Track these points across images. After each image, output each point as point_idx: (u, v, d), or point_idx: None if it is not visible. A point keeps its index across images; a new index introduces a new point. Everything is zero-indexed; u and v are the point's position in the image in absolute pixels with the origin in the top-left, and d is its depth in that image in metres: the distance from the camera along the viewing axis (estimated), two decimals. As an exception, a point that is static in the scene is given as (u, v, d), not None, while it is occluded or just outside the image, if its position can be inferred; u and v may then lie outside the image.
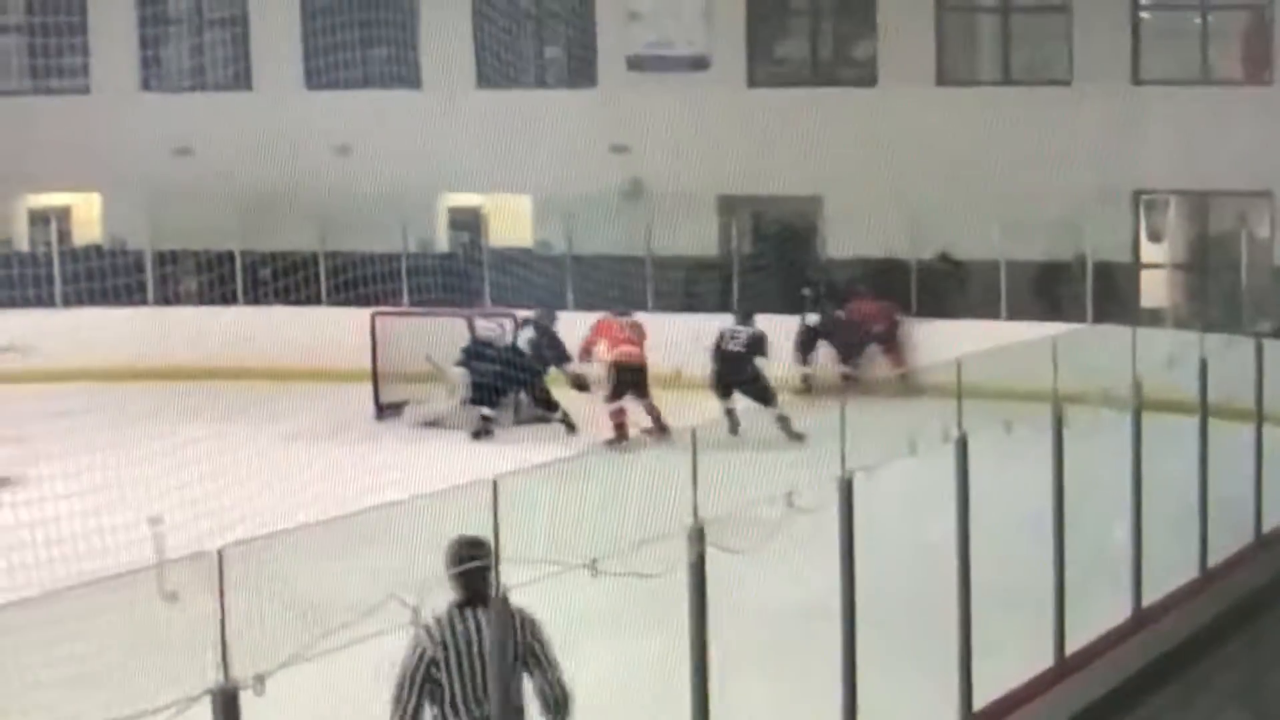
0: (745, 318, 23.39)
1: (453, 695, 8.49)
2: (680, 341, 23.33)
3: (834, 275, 26.45)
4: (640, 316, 23.79)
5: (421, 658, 8.45)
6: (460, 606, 8.55)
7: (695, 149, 27.82)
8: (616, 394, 22.42)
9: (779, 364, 23.36)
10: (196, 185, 28.64)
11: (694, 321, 24.26)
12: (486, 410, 22.90)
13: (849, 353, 25.46)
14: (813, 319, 25.57)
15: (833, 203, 27.47)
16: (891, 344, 25.54)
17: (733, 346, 22.83)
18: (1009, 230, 25.30)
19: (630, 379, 22.51)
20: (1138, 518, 13.95)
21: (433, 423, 23.07)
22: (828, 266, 26.83)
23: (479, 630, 8.51)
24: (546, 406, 23.17)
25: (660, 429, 21.84)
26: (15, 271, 26.29)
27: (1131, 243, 26.82)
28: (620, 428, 22.20)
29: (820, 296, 25.84)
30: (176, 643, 7.44)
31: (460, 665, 8.49)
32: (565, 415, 22.95)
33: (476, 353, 23.24)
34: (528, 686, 8.70)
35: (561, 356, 23.42)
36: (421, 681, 8.45)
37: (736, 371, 22.70)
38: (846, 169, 27.05)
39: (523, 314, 24.08)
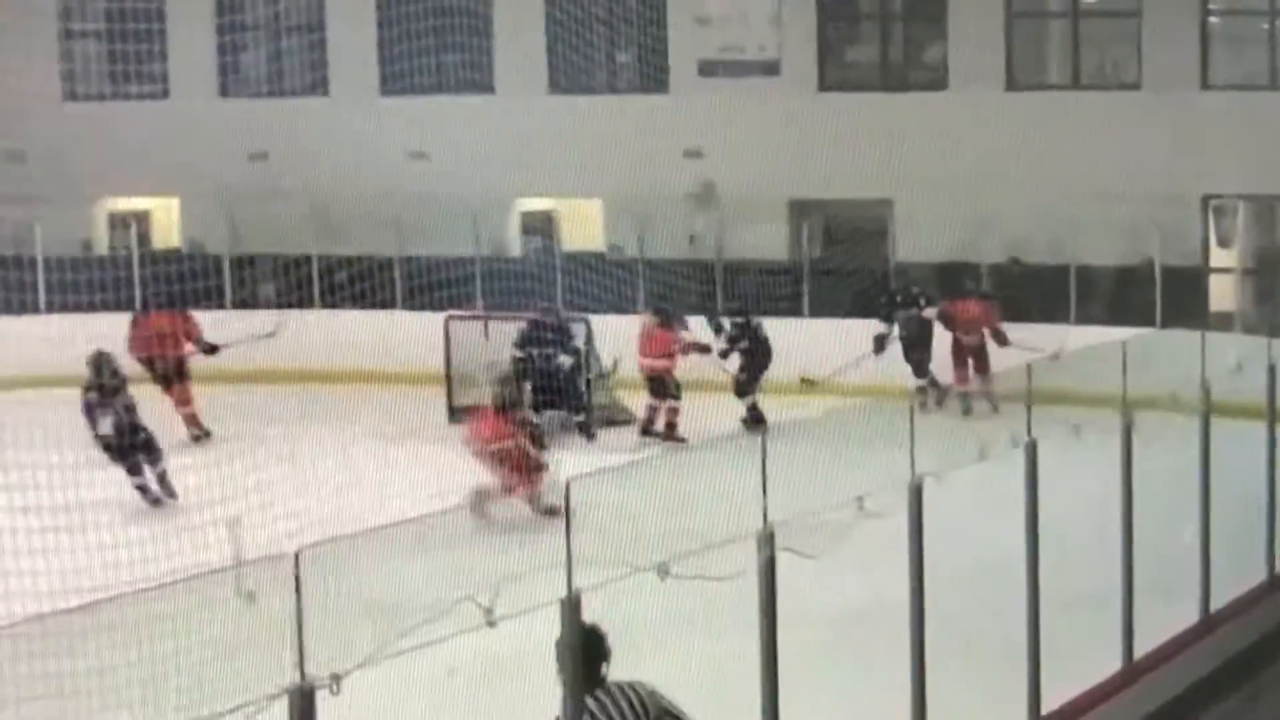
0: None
1: None
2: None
3: (910, 280, 25.75)
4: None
5: None
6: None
7: (766, 153, 27.88)
8: (649, 393, 22.95)
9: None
10: (273, 190, 28.90)
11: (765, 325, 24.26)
12: (535, 417, 22.75)
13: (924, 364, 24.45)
14: (882, 328, 24.69)
15: (903, 206, 27.48)
16: (981, 353, 24.24)
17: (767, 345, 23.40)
18: (1078, 234, 25.29)
19: (651, 384, 22.94)
20: (1206, 522, 13.97)
21: None
22: (902, 271, 26.48)
23: (605, 713, 8.56)
24: (579, 410, 23.33)
25: (672, 437, 22.19)
26: (96, 275, 26.55)
27: (1200, 247, 26.72)
28: (648, 423, 22.83)
29: (895, 304, 24.96)
30: (254, 643, 7.57)
31: None
32: (590, 419, 23.26)
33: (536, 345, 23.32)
34: None
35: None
36: None
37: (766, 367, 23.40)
38: (917, 173, 27.02)
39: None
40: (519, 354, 23.45)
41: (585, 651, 8.49)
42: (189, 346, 23.48)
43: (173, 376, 23.06)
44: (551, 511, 16.76)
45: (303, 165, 29.01)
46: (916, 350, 24.55)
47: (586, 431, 23.13)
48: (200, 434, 22.81)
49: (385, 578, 8.22)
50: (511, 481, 18.31)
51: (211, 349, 23.50)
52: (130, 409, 19.93)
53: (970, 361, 24.37)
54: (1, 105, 27.38)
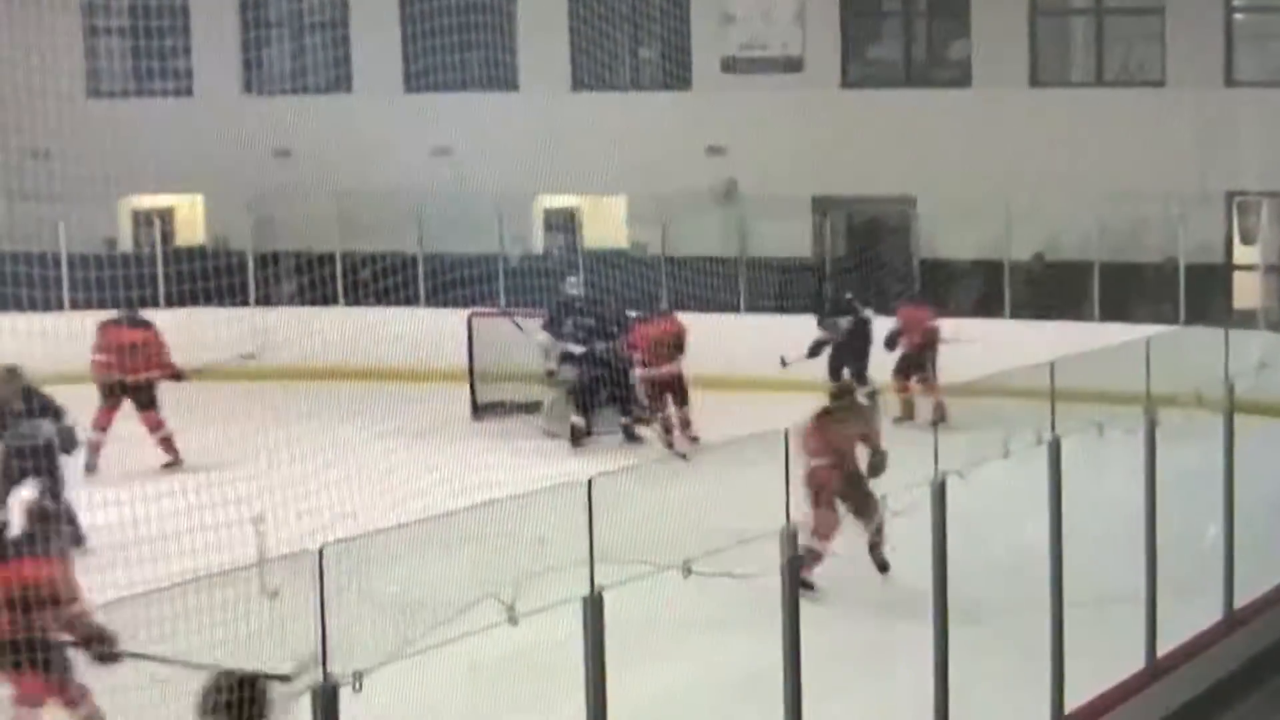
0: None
1: None
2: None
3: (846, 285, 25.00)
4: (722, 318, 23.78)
5: None
6: None
7: (789, 150, 27.89)
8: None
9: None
10: (297, 187, 28.93)
11: (787, 322, 24.21)
12: (577, 418, 22.25)
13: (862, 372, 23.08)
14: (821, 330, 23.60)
15: (926, 203, 27.45)
16: (921, 361, 22.96)
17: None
18: (1102, 232, 25.26)
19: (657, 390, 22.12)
20: (1229, 520, 13.96)
21: (553, 433, 22.50)
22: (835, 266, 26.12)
23: None
24: (624, 409, 22.46)
25: (668, 445, 21.53)
26: (120, 272, 26.56)
27: (1224, 244, 26.66)
28: (665, 433, 21.91)
29: (824, 311, 24.00)
30: (277, 639, 7.58)
31: None
32: (634, 420, 22.37)
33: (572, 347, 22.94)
34: None
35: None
36: None
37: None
38: (940, 170, 27.03)
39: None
40: (579, 350, 22.60)
41: (238, 707, 7.42)
42: (156, 369, 21.73)
43: (145, 401, 21.56)
44: (883, 568, 14.01)
45: (326, 162, 29.06)
46: (847, 358, 23.29)
47: (629, 433, 22.33)
48: (174, 461, 21.23)
49: (408, 575, 8.23)
50: (823, 521, 13.82)
51: (177, 375, 21.91)
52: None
53: (912, 370, 23.03)
54: (25, 102, 27.44)
